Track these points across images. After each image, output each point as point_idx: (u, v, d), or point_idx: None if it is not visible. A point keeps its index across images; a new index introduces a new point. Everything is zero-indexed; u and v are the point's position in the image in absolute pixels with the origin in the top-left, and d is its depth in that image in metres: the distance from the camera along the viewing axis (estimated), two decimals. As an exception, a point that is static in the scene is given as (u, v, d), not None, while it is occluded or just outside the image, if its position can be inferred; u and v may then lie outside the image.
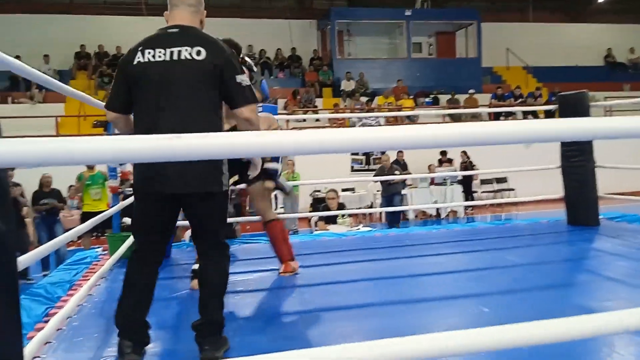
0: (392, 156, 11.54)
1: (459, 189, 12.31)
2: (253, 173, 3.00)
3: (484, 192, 13.00)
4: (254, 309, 2.85)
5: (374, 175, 9.94)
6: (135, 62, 2.13)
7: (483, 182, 13.02)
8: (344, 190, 11.30)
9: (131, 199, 3.67)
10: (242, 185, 3.57)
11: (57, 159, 0.98)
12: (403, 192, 11.56)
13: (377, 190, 11.00)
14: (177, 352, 2.28)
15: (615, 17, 18.93)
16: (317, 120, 13.00)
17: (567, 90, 5.28)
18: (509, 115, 14.14)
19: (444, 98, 15.84)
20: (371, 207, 11.36)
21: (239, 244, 4.60)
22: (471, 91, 15.52)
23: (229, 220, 4.57)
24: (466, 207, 12.17)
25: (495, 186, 13.12)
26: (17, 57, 2.70)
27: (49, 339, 2.33)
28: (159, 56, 2.11)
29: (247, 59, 3.32)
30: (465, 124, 1.17)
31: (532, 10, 17.99)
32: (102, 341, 2.41)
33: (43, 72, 2.42)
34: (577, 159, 4.82)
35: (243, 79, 2.17)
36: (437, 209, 11.98)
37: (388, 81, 16.04)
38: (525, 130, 1.18)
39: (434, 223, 10.88)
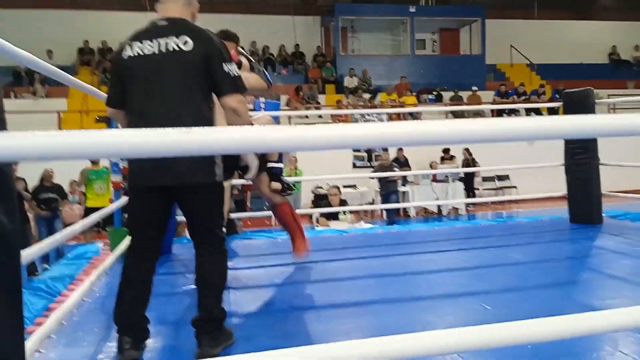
0: (393, 154, 11.55)
1: (460, 186, 12.29)
2: (249, 175, 2.96)
3: (485, 189, 12.98)
4: (254, 305, 2.84)
5: (373, 172, 9.90)
6: (125, 57, 2.14)
7: (485, 179, 13.00)
8: (345, 186, 11.29)
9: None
10: (244, 181, 3.56)
11: (63, 152, 0.96)
12: (404, 188, 11.56)
13: (377, 189, 10.99)
14: (178, 348, 2.28)
15: (620, 14, 18.85)
16: (320, 116, 12.96)
17: (571, 88, 5.23)
18: (512, 112, 14.09)
19: (447, 95, 15.79)
20: (372, 203, 11.34)
21: (240, 240, 4.59)
22: (474, 88, 15.48)
23: (231, 215, 4.59)
24: (467, 205, 12.15)
25: (497, 183, 13.10)
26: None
27: (49, 333, 2.33)
28: (148, 49, 2.11)
29: (241, 49, 3.31)
30: (467, 121, 1.12)
31: (536, 7, 17.91)
32: (102, 336, 2.41)
33: (46, 68, 2.45)
34: (581, 157, 4.79)
35: (231, 68, 2.13)
36: (439, 206, 11.97)
37: (391, 78, 16.01)
38: (529, 128, 1.15)
39: (436, 220, 10.85)
